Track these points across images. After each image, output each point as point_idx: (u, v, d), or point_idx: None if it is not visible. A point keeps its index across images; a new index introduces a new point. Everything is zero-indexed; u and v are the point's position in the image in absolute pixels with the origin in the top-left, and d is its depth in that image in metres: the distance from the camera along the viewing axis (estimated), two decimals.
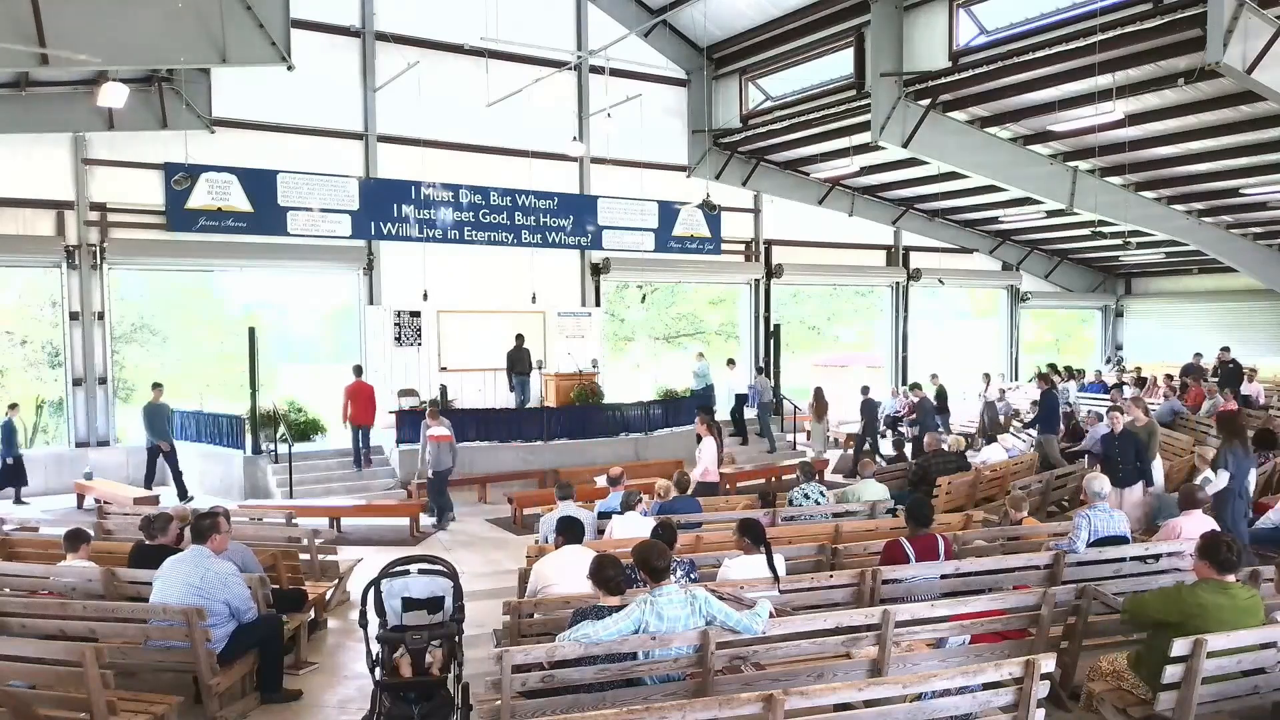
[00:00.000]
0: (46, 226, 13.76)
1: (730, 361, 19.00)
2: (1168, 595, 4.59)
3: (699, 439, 11.75)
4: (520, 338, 16.30)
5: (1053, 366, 21.19)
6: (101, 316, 14.22)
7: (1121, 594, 5.48)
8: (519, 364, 16.15)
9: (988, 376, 18.54)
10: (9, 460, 12.71)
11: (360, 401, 14.25)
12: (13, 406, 13.05)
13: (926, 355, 22.63)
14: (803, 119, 16.91)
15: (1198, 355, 20.02)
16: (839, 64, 16.55)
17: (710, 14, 17.28)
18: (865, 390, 17.09)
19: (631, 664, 4.30)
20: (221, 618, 5.49)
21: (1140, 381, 19.29)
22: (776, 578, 5.45)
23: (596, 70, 17.08)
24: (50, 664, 4.71)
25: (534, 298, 16.84)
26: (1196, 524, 6.44)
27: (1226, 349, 19.01)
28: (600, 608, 4.46)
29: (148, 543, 6.57)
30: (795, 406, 18.60)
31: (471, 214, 16.73)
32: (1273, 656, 4.45)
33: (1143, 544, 6.39)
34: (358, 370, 14.78)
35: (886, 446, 17.49)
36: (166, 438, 13.12)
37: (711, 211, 19.08)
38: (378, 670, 4.63)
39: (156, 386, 13.45)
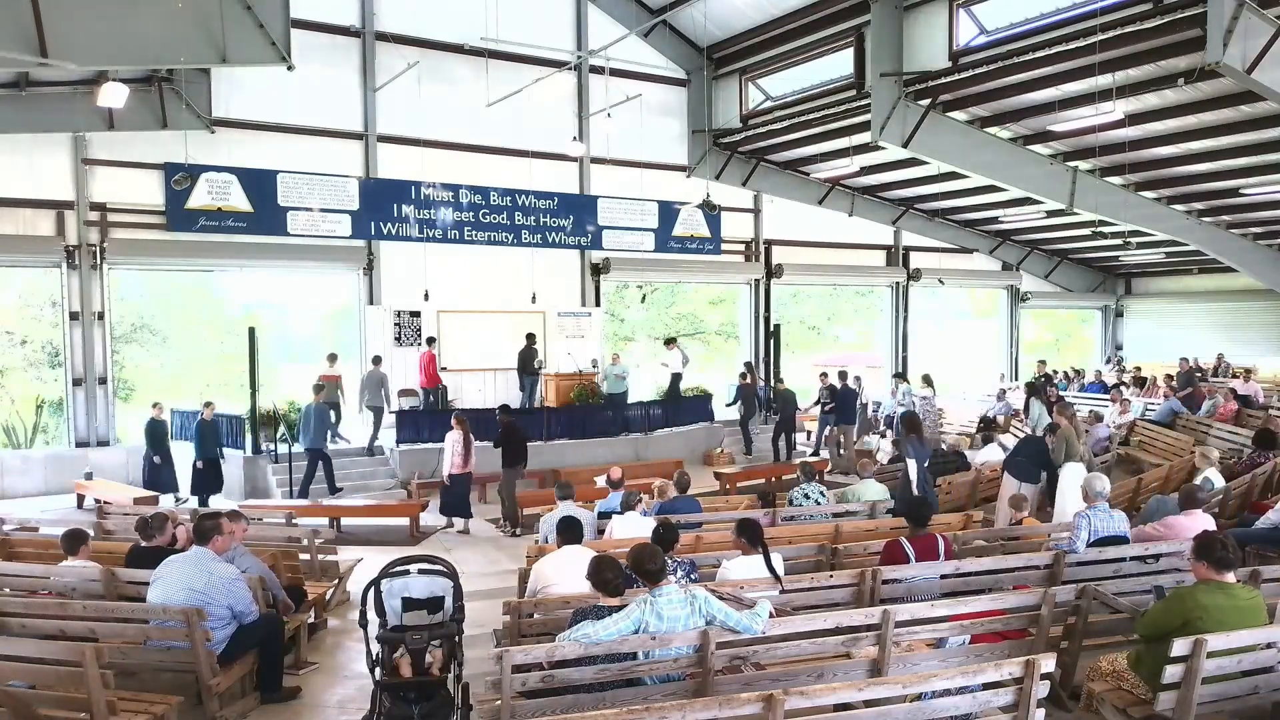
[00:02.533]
0: (46, 226, 13.76)
1: (668, 341, 18.11)
2: (1170, 603, 4.58)
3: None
4: (531, 337, 16.28)
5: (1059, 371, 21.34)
6: (101, 316, 14.22)
7: (1122, 594, 5.48)
8: (529, 364, 16.11)
9: (925, 379, 17.97)
10: (199, 464, 12.60)
11: (424, 369, 15.45)
12: (208, 405, 13.05)
13: (926, 355, 22.64)
14: (803, 119, 16.91)
15: (1219, 356, 20.05)
16: (839, 64, 16.55)
17: (710, 14, 17.28)
18: (926, 381, 17.08)
19: (631, 664, 4.30)
20: (223, 620, 5.48)
21: (1140, 381, 19.30)
22: (777, 578, 5.45)
23: (596, 70, 17.09)
24: (50, 664, 4.71)
25: (534, 298, 16.85)
26: (1197, 524, 6.44)
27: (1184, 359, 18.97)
28: (600, 607, 4.46)
29: (144, 544, 6.54)
30: (797, 407, 18.56)
31: (471, 214, 16.73)
32: (1273, 656, 4.45)
33: (1143, 544, 6.39)
34: (430, 341, 15.72)
35: (888, 446, 17.42)
36: (323, 442, 13.11)
37: (711, 211, 19.07)
38: (378, 670, 4.62)
39: (319, 389, 13.48)
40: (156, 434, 12.78)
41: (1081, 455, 9.47)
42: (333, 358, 14.71)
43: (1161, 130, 14.89)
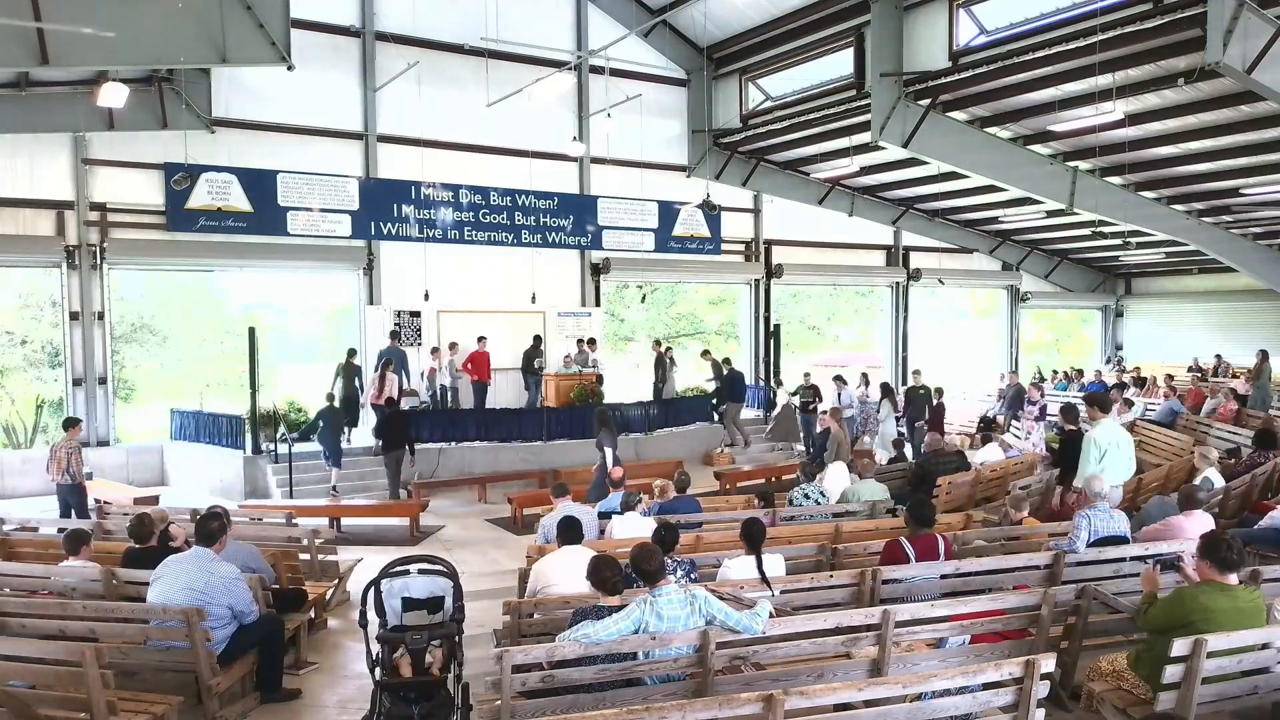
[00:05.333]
0: (46, 226, 13.76)
1: (588, 341, 17.62)
2: (1171, 602, 4.58)
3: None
4: (538, 339, 16.39)
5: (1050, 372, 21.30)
6: (101, 316, 14.22)
7: (1121, 594, 5.48)
8: (531, 364, 16.20)
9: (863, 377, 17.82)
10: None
11: (479, 365, 15.88)
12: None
13: (926, 355, 22.64)
14: (803, 119, 16.92)
15: (1218, 357, 20.08)
16: (839, 64, 16.56)
17: (710, 14, 17.27)
18: (864, 380, 16.92)
19: (631, 664, 4.30)
20: (223, 620, 5.48)
21: (1140, 381, 19.31)
22: (765, 581, 5.43)
23: (596, 70, 17.09)
24: (50, 664, 4.72)
25: (534, 298, 16.85)
26: (1197, 524, 6.44)
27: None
28: (600, 608, 4.46)
29: (138, 546, 6.52)
30: (795, 406, 18.56)
31: (471, 214, 16.74)
32: (1272, 656, 4.45)
33: (1143, 544, 6.39)
34: (480, 340, 15.92)
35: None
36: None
37: (711, 211, 19.08)
38: (378, 670, 4.62)
39: (435, 350, 15.74)
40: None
41: (846, 456, 11.11)
42: (453, 346, 15.75)
43: (1161, 130, 14.89)
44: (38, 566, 6.71)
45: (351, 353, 14.90)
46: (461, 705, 4.69)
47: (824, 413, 12.99)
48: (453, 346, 15.80)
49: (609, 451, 11.40)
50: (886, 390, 16.45)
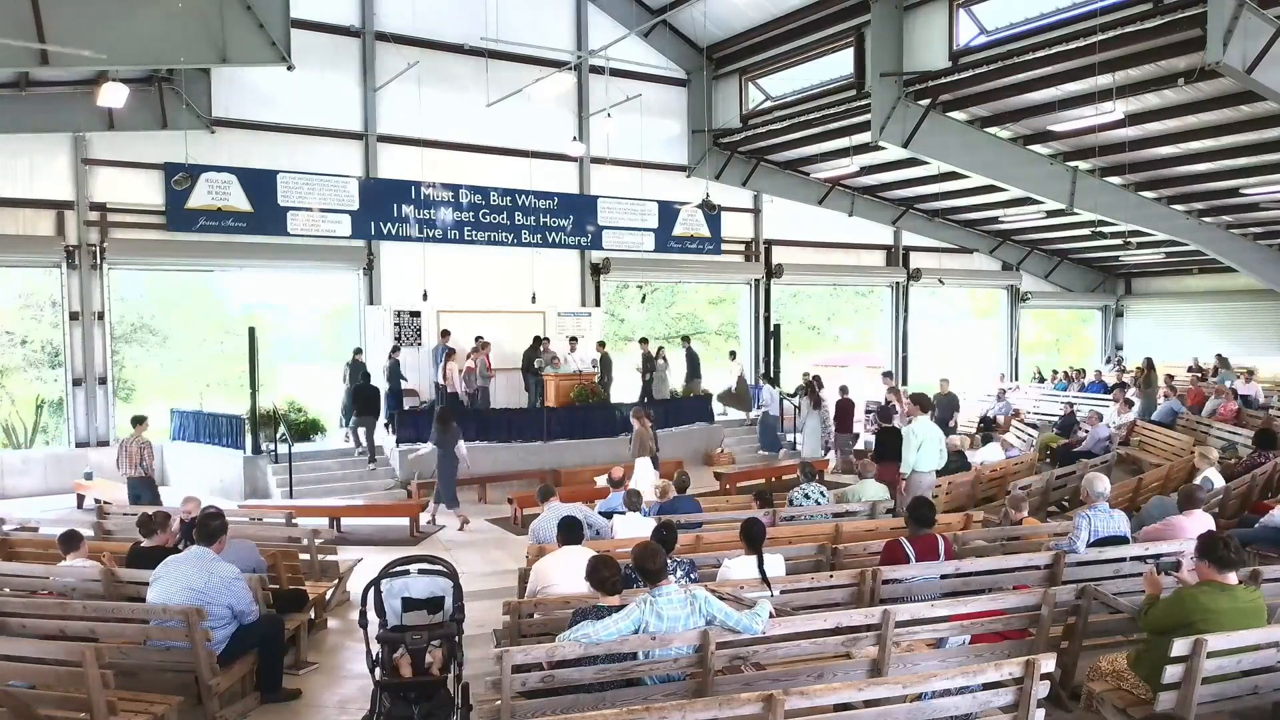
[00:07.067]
0: (46, 226, 13.76)
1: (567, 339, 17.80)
2: (1172, 602, 4.58)
3: None
4: (537, 339, 16.40)
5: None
6: (101, 316, 14.23)
7: (1122, 594, 5.47)
8: (530, 364, 16.21)
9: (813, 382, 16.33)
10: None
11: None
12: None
13: (926, 355, 22.67)
14: (803, 119, 16.91)
15: (1219, 357, 20.06)
16: (839, 64, 16.56)
17: (710, 14, 17.27)
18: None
19: (631, 664, 4.30)
20: (223, 620, 5.48)
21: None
22: (766, 582, 5.43)
23: (596, 70, 17.09)
24: (50, 664, 4.71)
25: (534, 298, 16.85)
26: (1197, 523, 6.44)
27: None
28: (600, 608, 4.46)
29: (144, 544, 6.53)
30: (795, 406, 18.58)
31: (471, 214, 16.74)
32: (1273, 656, 4.45)
33: (1143, 544, 6.39)
34: (478, 340, 15.86)
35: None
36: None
37: (711, 211, 19.07)
38: (378, 670, 4.62)
39: (482, 344, 15.58)
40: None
41: (650, 451, 11.88)
42: (486, 345, 15.76)
43: (1161, 130, 14.89)
44: (38, 566, 6.71)
45: (396, 348, 15.39)
46: (461, 705, 4.68)
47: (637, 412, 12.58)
48: (485, 346, 15.68)
49: (430, 446, 11.54)
50: (808, 388, 16.02)
